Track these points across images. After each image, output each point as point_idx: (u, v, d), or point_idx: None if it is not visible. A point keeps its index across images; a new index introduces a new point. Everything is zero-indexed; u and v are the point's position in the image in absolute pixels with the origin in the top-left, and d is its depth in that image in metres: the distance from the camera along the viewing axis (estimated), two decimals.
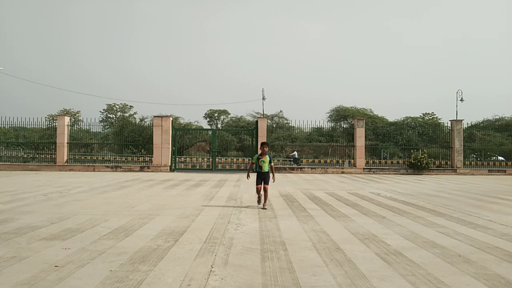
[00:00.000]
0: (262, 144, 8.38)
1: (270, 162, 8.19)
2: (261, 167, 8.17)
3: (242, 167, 23.41)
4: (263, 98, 43.61)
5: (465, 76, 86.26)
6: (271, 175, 8.23)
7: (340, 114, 38.69)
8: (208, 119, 57.68)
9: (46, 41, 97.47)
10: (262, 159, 8.18)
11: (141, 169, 21.01)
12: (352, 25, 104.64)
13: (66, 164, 21.15)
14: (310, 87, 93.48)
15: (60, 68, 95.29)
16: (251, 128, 25.83)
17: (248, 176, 8.82)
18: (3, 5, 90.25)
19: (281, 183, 14.16)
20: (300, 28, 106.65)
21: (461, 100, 38.38)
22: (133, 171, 20.68)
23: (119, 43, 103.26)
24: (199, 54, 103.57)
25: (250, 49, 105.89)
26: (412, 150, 22.89)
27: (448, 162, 22.83)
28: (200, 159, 26.88)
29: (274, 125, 36.60)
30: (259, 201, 8.32)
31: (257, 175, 8.24)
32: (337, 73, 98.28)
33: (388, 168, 22.27)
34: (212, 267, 4.11)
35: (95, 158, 23.44)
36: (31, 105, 77.89)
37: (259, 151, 8.39)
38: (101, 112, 59.00)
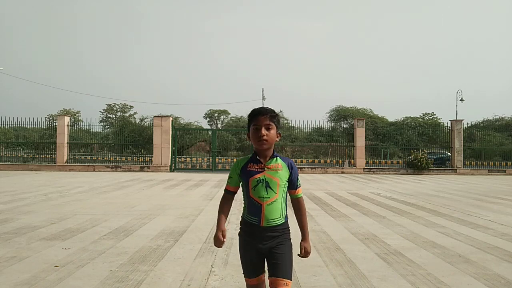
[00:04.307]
0: (254, 116, 2.23)
1: (296, 187, 2.42)
2: (260, 205, 2.29)
3: None
4: (263, 98, 43.66)
5: (465, 76, 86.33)
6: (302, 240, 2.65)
7: (340, 114, 38.76)
8: (208, 119, 57.67)
9: (46, 41, 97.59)
10: (257, 177, 2.25)
11: (141, 169, 21.01)
12: (352, 25, 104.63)
13: (66, 164, 21.14)
14: (310, 87, 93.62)
15: (60, 68, 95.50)
16: None
17: (217, 238, 2.36)
18: (4, 4, 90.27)
19: None
20: (300, 28, 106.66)
21: (461, 100, 38.40)
22: (133, 171, 20.68)
23: (119, 43, 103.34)
24: (200, 54, 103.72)
25: (250, 49, 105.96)
26: (412, 150, 22.89)
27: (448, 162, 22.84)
28: (200, 159, 26.88)
29: None
30: None
31: (245, 234, 2.39)
32: (338, 73, 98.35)
33: (388, 168, 22.27)
34: (212, 267, 4.11)
35: (95, 158, 23.45)
36: (31, 105, 77.93)
37: (255, 146, 2.28)
38: (101, 112, 59.08)
